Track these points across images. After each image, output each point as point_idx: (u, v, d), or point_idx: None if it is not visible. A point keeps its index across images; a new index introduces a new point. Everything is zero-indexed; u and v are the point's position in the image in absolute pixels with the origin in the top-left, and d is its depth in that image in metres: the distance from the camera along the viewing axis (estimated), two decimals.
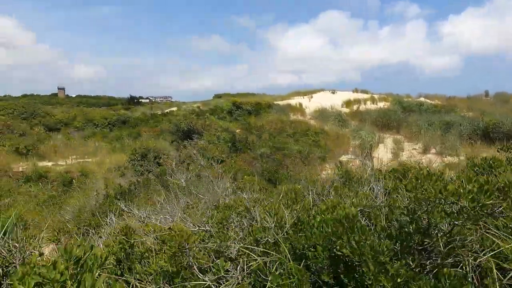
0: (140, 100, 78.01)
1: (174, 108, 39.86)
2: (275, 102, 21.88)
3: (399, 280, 1.10)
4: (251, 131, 14.23)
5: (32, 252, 1.69)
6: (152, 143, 12.88)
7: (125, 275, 1.60)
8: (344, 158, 10.03)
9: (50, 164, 15.39)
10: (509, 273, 1.10)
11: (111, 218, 3.16)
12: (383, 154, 11.47)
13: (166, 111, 38.43)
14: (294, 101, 27.10)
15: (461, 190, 1.16)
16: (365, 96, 27.88)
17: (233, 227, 1.92)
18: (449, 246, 1.27)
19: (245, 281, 1.33)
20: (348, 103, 24.18)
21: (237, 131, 14.96)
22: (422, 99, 27.84)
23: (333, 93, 31.18)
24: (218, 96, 58.25)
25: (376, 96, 27.19)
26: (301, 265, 1.29)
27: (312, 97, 29.38)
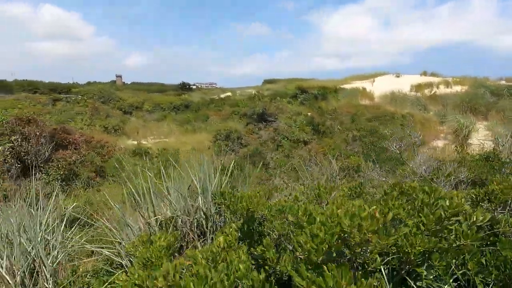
0: (191, 86, 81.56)
1: (229, 93, 41.03)
2: (340, 86, 21.33)
3: None
4: (324, 115, 14.17)
5: None
6: (232, 125, 13.56)
7: None
8: (436, 143, 9.57)
9: (135, 142, 17.11)
10: None
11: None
12: (477, 141, 10.70)
13: (221, 96, 39.76)
14: (353, 85, 26.16)
15: None
16: (437, 79, 25.81)
17: None
18: None
19: None
20: (418, 87, 22.64)
21: (308, 114, 15.02)
22: (503, 82, 24.99)
23: (398, 76, 29.39)
24: (268, 82, 58.27)
25: (449, 80, 25.03)
26: None
27: (374, 81, 28.04)
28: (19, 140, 7.93)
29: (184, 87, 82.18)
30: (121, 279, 1.77)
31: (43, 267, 2.57)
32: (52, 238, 2.88)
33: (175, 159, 11.72)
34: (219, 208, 2.67)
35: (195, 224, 2.71)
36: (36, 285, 2.56)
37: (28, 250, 2.61)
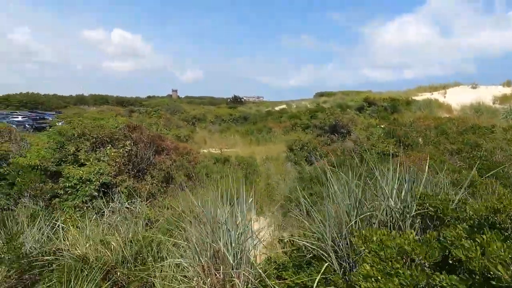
0: (241, 99, 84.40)
1: (284, 106, 41.50)
2: (413, 98, 20.22)
3: None
4: (401, 127, 13.47)
5: None
6: (301, 136, 13.62)
7: None
8: None
9: (205, 151, 18.12)
10: None
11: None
12: None
13: (276, 108, 40.38)
14: (422, 97, 24.59)
15: None
16: None
17: None
18: None
19: None
20: (504, 99, 20.45)
21: (382, 126, 14.42)
22: None
23: (474, 87, 26.94)
24: (320, 95, 57.78)
25: None
26: None
27: (445, 92, 26.07)
28: (132, 144, 8.96)
29: (236, 100, 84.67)
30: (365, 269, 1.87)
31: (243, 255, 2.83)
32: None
33: (255, 167, 12.13)
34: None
35: None
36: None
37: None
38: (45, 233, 3.94)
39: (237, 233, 2.85)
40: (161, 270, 3.31)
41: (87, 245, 3.74)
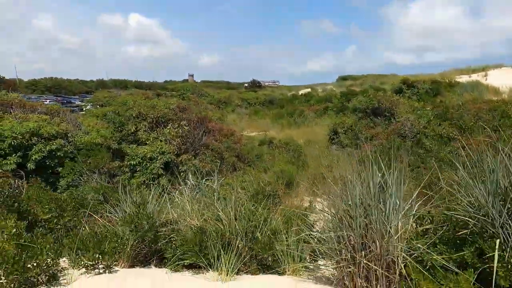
0: (260, 83, 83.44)
1: (308, 90, 40.76)
2: (457, 80, 19.26)
3: None
4: (449, 110, 12.89)
5: None
6: (346, 119, 13.31)
7: None
8: None
9: (242, 133, 18.16)
10: None
11: None
12: None
13: (300, 92, 39.72)
14: (461, 80, 23.40)
15: None
16: None
17: None
18: None
19: None
20: None
21: (428, 109, 13.86)
22: None
23: None
24: (343, 79, 56.26)
25: None
26: None
27: (486, 74, 24.71)
28: (185, 125, 9.03)
29: (254, 84, 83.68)
30: None
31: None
32: None
33: (299, 150, 12.04)
34: None
35: None
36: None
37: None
38: (154, 206, 4.04)
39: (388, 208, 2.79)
40: (288, 244, 3.33)
41: (202, 218, 3.80)
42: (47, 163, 8.65)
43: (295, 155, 10.74)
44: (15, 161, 7.90)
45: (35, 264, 2.70)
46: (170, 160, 7.74)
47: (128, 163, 7.78)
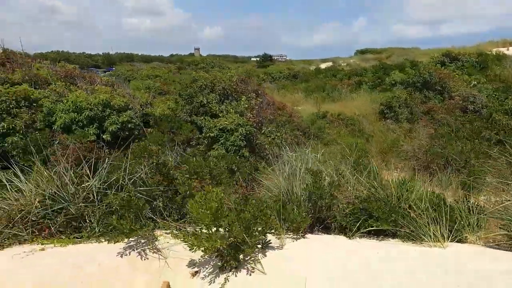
0: (272, 57, 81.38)
1: (329, 63, 39.65)
2: (504, 53, 18.48)
3: None
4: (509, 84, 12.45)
5: None
6: (399, 93, 12.96)
7: None
8: None
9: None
10: None
11: None
12: None
13: (321, 66, 38.67)
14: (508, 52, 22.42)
15: None
16: None
17: None
18: None
19: None
20: None
21: (480, 81, 13.42)
22: None
23: None
24: (360, 52, 54.57)
25: None
26: None
27: None
28: (254, 97, 8.87)
29: (266, 59, 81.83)
30: None
31: None
32: None
33: (356, 124, 11.88)
34: None
35: None
36: None
37: None
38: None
39: None
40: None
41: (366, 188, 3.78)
42: (120, 134, 8.65)
43: (355, 128, 10.60)
44: (94, 132, 7.90)
45: (259, 229, 2.73)
46: (250, 132, 7.67)
47: (207, 135, 7.73)
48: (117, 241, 2.89)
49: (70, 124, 7.75)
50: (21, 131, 7.29)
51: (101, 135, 8.31)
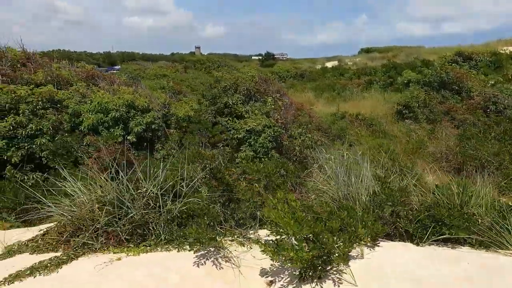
0: (275, 56, 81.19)
1: (335, 62, 39.51)
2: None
3: None
4: None
5: None
6: (417, 92, 12.86)
7: None
8: None
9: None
10: None
11: None
12: None
13: (327, 65, 38.52)
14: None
15: None
16: None
17: None
18: None
19: None
20: None
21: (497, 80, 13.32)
22: None
23: None
24: (365, 51, 54.45)
25: None
26: None
27: None
28: (279, 98, 8.78)
29: (269, 57, 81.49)
30: None
31: None
32: None
33: (377, 125, 11.79)
34: None
35: None
36: None
37: None
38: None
39: None
40: None
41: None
42: (144, 135, 8.58)
43: (376, 129, 10.52)
44: (121, 134, 7.82)
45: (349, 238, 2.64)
46: (278, 133, 7.58)
47: (235, 136, 7.65)
48: (197, 251, 2.81)
49: (97, 125, 7.67)
50: (49, 133, 7.20)
51: (126, 136, 8.24)
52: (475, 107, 11.23)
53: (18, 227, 4.76)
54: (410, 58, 25.00)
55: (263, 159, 7.41)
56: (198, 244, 2.74)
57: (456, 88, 13.58)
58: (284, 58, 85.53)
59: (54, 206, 3.69)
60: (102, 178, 3.47)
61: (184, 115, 8.47)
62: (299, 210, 2.59)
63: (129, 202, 3.37)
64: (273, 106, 8.13)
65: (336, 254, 2.45)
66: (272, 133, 7.49)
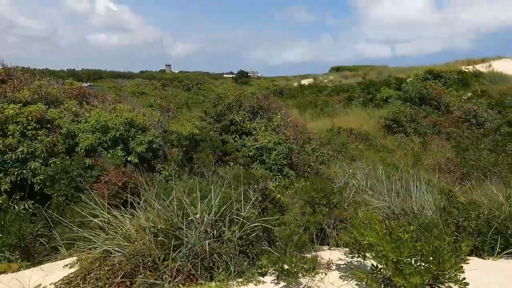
0: (248, 74, 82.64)
1: (310, 80, 40.95)
2: (481, 71, 20.23)
3: None
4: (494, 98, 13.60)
5: None
6: (405, 108, 13.55)
7: None
8: None
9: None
10: None
11: None
12: None
13: (303, 82, 39.79)
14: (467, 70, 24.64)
15: None
16: None
17: None
18: None
19: None
20: None
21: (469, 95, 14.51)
22: None
23: None
24: (335, 69, 57.32)
25: None
26: None
27: (490, 65, 26.20)
28: (282, 115, 8.75)
29: (242, 76, 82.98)
30: None
31: None
32: None
33: (371, 138, 12.12)
34: None
35: None
36: None
37: None
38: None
39: None
40: None
41: None
42: (144, 156, 8.01)
43: (372, 143, 10.82)
44: (122, 154, 7.21)
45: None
46: (291, 149, 7.45)
47: (246, 154, 7.40)
48: (289, 283, 2.50)
49: (95, 146, 7.02)
50: (42, 156, 6.44)
51: (126, 157, 7.64)
52: (457, 120, 12.04)
53: (27, 267, 4.07)
54: (382, 76, 26.61)
55: (279, 176, 7.21)
56: (286, 275, 2.45)
57: (435, 103, 14.53)
58: (256, 76, 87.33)
59: (94, 239, 3.20)
60: (156, 206, 3.07)
61: (189, 133, 8.09)
62: (398, 230, 2.43)
63: (188, 232, 2.99)
64: (282, 123, 8.06)
65: (447, 275, 2.31)
66: (285, 150, 7.36)
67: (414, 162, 9.43)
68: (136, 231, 3.14)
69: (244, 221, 3.19)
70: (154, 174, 8.18)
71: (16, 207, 5.78)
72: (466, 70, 19.79)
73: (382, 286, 2.41)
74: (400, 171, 6.56)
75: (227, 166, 7.47)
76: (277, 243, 2.74)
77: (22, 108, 7.01)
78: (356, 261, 2.97)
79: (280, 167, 7.25)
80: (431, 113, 13.80)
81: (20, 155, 6.24)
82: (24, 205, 5.91)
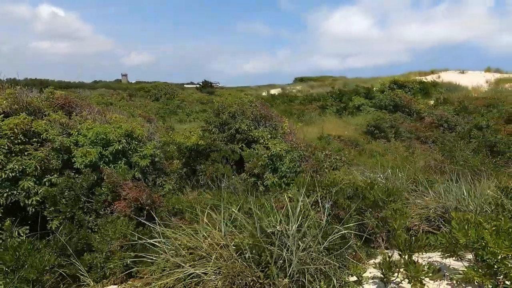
0: (212, 84, 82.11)
1: (279, 90, 41.93)
2: (436, 81, 22.37)
3: None
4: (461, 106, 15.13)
5: None
6: (384, 115, 14.44)
7: None
8: None
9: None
10: None
11: None
12: None
13: (272, 92, 40.56)
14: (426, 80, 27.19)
15: None
16: (506, 75, 27.18)
17: None
18: None
19: None
20: (498, 82, 23.99)
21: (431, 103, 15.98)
22: None
23: (462, 73, 30.67)
24: (299, 80, 59.55)
25: None
26: None
27: (439, 77, 29.25)
28: (285, 121, 8.77)
29: (206, 85, 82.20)
30: None
31: None
32: None
33: (360, 144, 12.62)
34: None
35: None
36: None
37: None
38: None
39: None
40: None
41: None
42: (146, 169, 7.38)
43: (362, 148, 11.30)
44: (126, 169, 6.55)
45: None
46: (302, 156, 7.43)
47: (258, 163, 7.20)
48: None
49: (96, 161, 6.29)
50: (35, 173, 5.58)
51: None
52: (431, 125, 13.16)
53: None
54: (349, 86, 28.17)
55: (289, 184, 7.12)
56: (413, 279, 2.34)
57: (407, 110, 15.72)
58: (218, 86, 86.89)
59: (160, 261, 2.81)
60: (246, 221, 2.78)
61: (193, 144, 7.68)
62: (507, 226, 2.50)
63: (279, 245, 2.77)
64: (288, 130, 8.06)
65: None
66: (297, 157, 7.34)
67: (404, 165, 10.02)
68: (212, 249, 2.84)
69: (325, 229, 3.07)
70: (158, 188, 7.62)
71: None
72: (426, 80, 21.89)
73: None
74: (414, 173, 6.91)
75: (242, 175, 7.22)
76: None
77: (4, 120, 6.08)
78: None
79: (294, 174, 7.18)
80: (406, 120, 14.92)
81: (10, 174, 5.36)
82: (18, 232, 5.07)
